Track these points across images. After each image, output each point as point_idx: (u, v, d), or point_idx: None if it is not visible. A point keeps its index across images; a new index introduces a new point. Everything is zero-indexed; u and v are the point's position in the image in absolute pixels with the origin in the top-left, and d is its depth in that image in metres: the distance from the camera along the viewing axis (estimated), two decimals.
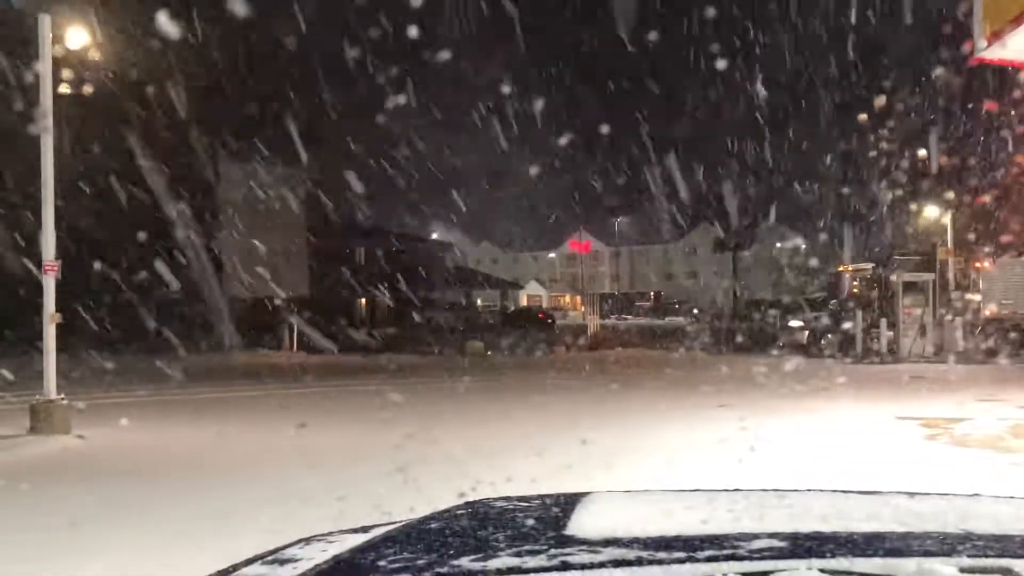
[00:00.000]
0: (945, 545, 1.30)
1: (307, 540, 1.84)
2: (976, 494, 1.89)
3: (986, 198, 27.01)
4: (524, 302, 65.19)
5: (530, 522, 1.69)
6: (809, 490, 2.00)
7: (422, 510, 1.93)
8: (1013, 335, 21.93)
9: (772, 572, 1.11)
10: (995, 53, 8.88)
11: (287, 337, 26.15)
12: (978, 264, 23.05)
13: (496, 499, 1.89)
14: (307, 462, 7.73)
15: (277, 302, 26.07)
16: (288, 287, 26.89)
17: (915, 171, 29.64)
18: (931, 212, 33.36)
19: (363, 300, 33.75)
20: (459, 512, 1.77)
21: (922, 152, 28.53)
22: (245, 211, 27.95)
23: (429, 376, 17.82)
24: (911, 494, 1.92)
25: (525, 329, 34.56)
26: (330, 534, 1.87)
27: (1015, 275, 22.28)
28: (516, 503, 1.84)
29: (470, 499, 1.93)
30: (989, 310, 22.10)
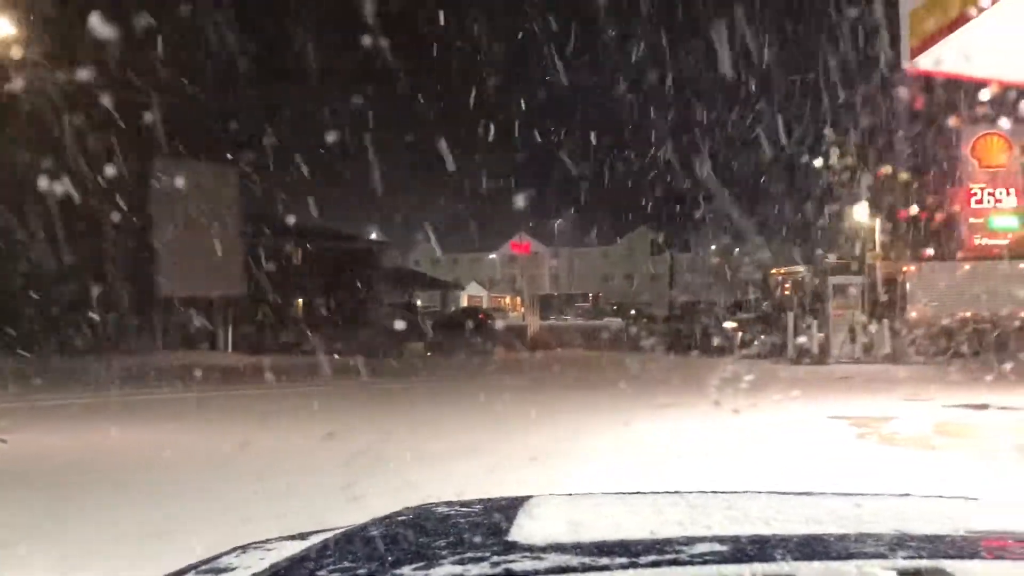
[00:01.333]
0: (882, 547, 1.31)
1: (243, 548, 1.80)
2: (907, 494, 1.95)
3: (911, 209, 27.87)
4: (465, 303, 64.98)
5: (473, 528, 1.68)
6: (748, 492, 2.01)
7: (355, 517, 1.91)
8: (937, 337, 22.72)
9: None
10: (921, 64, 9.17)
11: (223, 337, 25.67)
12: (905, 268, 23.77)
13: (438, 504, 1.86)
14: (246, 470, 7.63)
15: (212, 302, 25.58)
16: (224, 287, 26.40)
17: (847, 181, 30.41)
18: (861, 218, 34.33)
19: (301, 300, 33.31)
20: (400, 518, 1.73)
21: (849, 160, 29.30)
22: (180, 211, 27.35)
23: (370, 377, 17.68)
24: (847, 495, 1.96)
25: (465, 330, 34.52)
26: (267, 541, 1.84)
27: (939, 279, 23.05)
28: (458, 508, 1.82)
29: (411, 504, 1.91)
30: (915, 313, 22.82)
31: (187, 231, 26.25)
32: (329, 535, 1.68)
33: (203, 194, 27.30)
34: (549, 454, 8.15)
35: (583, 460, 8.00)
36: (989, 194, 28.32)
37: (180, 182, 26.62)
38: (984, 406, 11.72)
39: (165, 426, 11.10)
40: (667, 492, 1.95)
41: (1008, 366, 18.72)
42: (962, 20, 8.00)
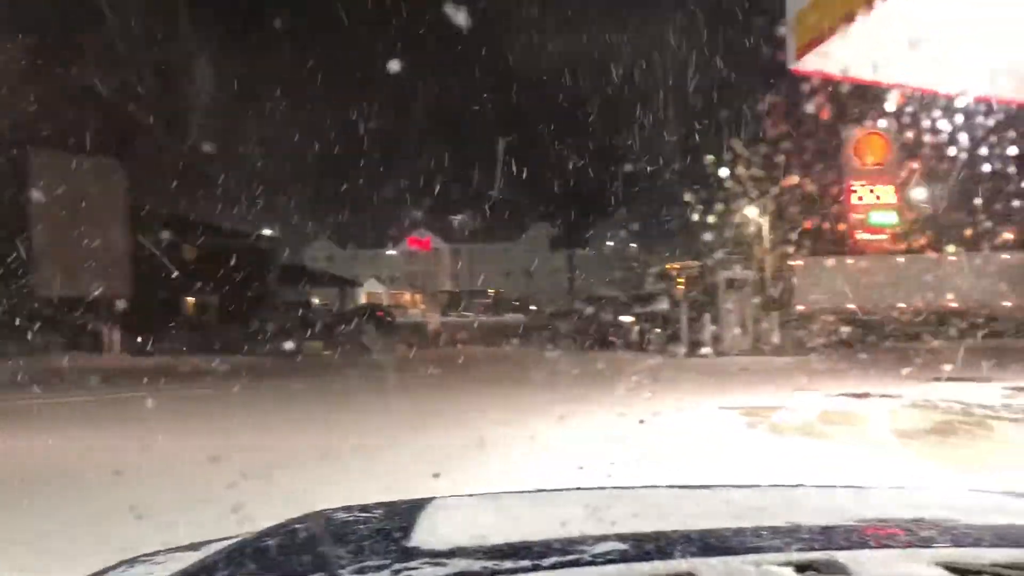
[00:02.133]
0: (777, 540, 1.32)
1: (131, 561, 1.68)
2: (799, 484, 1.96)
3: (799, 206, 28.95)
4: (363, 300, 64.26)
5: (373, 533, 1.61)
6: (648, 487, 2.01)
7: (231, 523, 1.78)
8: (823, 329, 23.69)
9: None
10: (807, 65, 9.48)
11: (108, 338, 24.60)
12: (793, 263, 24.68)
13: (336, 509, 1.77)
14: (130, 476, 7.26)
15: (96, 302, 24.45)
16: (108, 286, 25.27)
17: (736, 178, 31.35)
18: (752, 214, 35.47)
19: (191, 299, 32.24)
20: (297, 526, 1.65)
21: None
22: (60, 208, 26.04)
23: (264, 377, 17.23)
24: (742, 487, 1.97)
25: (363, 328, 34.09)
26: (156, 553, 1.71)
27: (825, 273, 24.02)
28: (357, 513, 1.74)
29: (308, 511, 1.82)
30: (801, 305, 23.71)
31: (67, 228, 25.03)
32: (222, 545, 1.58)
33: (84, 190, 26.08)
34: (451, 458, 8.07)
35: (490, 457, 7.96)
36: (870, 191, 29.72)
37: (59, 177, 25.40)
38: (866, 394, 12.23)
39: (37, 436, 10.49)
40: (569, 489, 1.93)
41: (888, 356, 19.68)
42: (843, 23, 8.30)
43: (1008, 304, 22.45)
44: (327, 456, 7.94)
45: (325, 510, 1.77)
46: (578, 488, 1.93)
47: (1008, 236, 28.76)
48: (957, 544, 1.25)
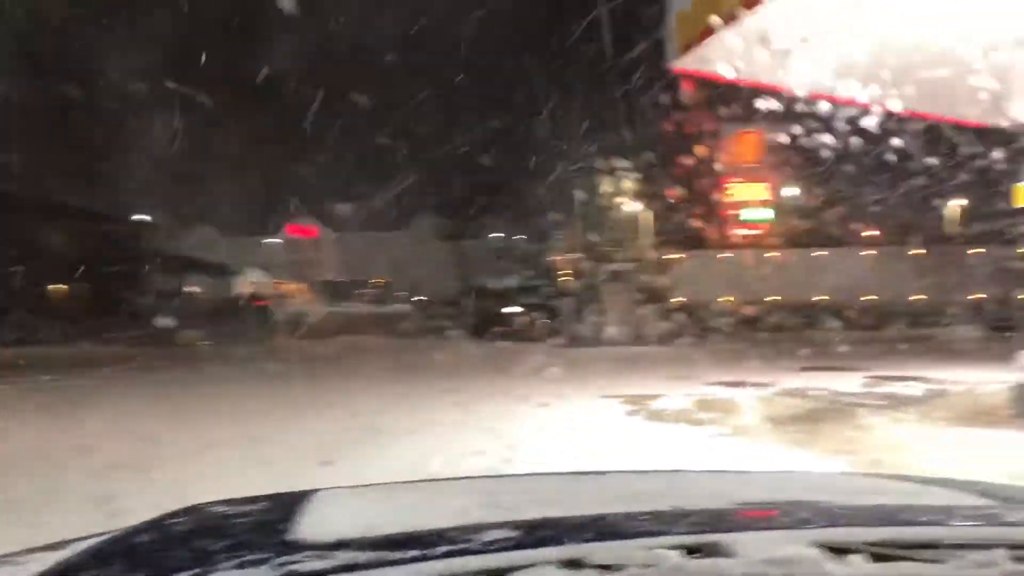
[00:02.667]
0: (666, 523, 1.34)
1: None
2: (684, 469, 2.02)
3: (678, 202, 29.83)
4: (244, 289, 62.28)
5: (254, 527, 1.56)
6: (537, 474, 2.03)
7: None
8: (701, 320, 24.50)
9: (507, 566, 1.09)
10: (687, 64, 9.75)
11: None
12: (672, 255, 25.40)
13: (215, 503, 1.70)
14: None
15: None
16: None
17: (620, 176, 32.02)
18: (633, 208, 36.31)
19: (58, 286, 30.54)
20: (171, 521, 1.58)
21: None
22: None
23: (138, 367, 16.53)
24: (630, 472, 2.01)
25: (244, 317, 33.10)
26: (18, 554, 1.60)
27: (702, 266, 24.84)
28: (237, 506, 1.68)
29: (184, 506, 1.73)
30: (679, 297, 24.45)
31: None
32: (91, 543, 1.49)
33: None
34: (338, 457, 7.94)
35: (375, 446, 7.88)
36: (744, 188, 30.90)
37: None
38: (740, 383, 12.74)
39: None
40: (459, 478, 1.91)
41: (762, 346, 20.53)
42: (721, 25, 8.58)
43: (872, 297, 23.78)
44: (207, 447, 7.70)
45: (202, 504, 1.71)
46: (468, 477, 1.93)
47: (872, 233, 30.51)
48: (832, 524, 1.29)
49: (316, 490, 1.73)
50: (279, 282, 78.58)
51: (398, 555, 1.19)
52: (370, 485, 1.90)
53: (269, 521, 1.59)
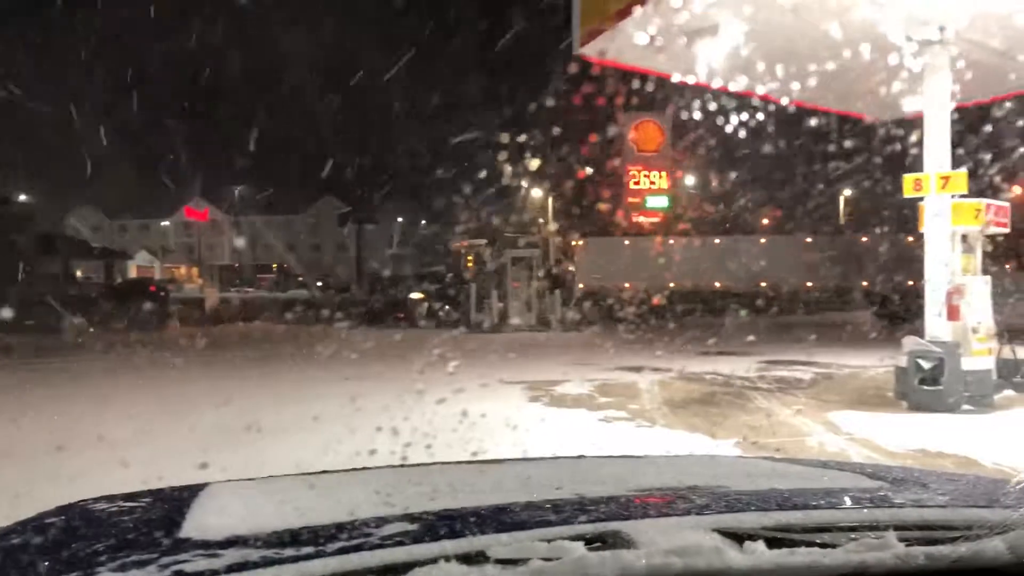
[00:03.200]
0: (566, 512, 1.32)
1: None
2: (583, 455, 2.01)
3: (581, 188, 30.13)
4: (134, 274, 60.15)
5: (140, 524, 1.47)
6: (436, 464, 1.99)
7: None
8: (602, 306, 24.86)
9: (405, 561, 1.05)
10: (591, 51, 9.81)
11: None
12: (575, 242, 25.64)
13: (98, 499, 1.59)
14: None
15: None
16: None
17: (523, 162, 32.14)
18: (536, 195, 36.51)
19: None
20: (48, 521, 1.47)
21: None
22: None
23: (17, 358, 15.68)
24: (529, 460, 1.98)
25: (135, 303, 31.84)
26: None
27: (604, 253, 25.16)
28: (122, 503, 1.58)
29: (63, 503, 1.59)
30: (582, 284, 24.72)
31: None
32: None
33: None
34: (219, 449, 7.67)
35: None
36: (645, 176, 31.45)
37: None
38: (640, 368, 12.96)
39: None
40: (354, 470, 1.86)
41: (662, 332, 20.96)
42: (622, 13, 8.66)
43: (765, 284, 24.56)
44: (65, 447, 7.00)
45: (82, 501, 1.60)
46: (364, 468, 1.86)
47: (771, 221, 31.53)
48: (730, 509, 1.31)
49: (206, 484, 1.65)
50: (171, 266, 76.05)
51: (291, 552, 1.14)
52: (264, 478, 1.82)
53: (155, 518, 1.51)
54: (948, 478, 1.79)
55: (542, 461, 2.02)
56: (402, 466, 1.87)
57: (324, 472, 1.88)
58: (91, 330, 22.95)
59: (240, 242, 78.06)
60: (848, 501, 1.43)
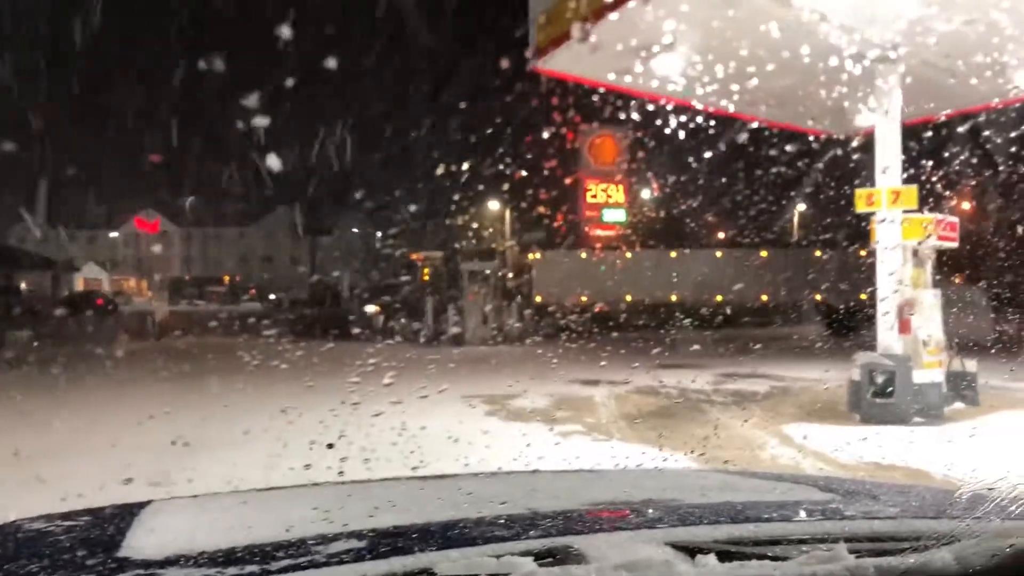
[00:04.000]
0: (516, 527, 1.30)
1: None
2: (536, 470, 1.97)
3: (538, 202, 30.19)
4: (81, 286, 58.96)
5: (78, 544, 1.40)
6: (385, 480, 1.96)
7: None
8: (559, 318, 24.90)
9: None
10: (546, 66, 9.85)
11: None
12: (532, 255, 25.67)
13: (34, 519, 1.52)
14: None
15: None
16: None
17: (480, 173, 32.18)
18: (494, 207, 36.55)
19: None
20: None
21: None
22: None
23: None
24: (480, 475, 1.95)
25: (81, 316, 31.18)
26: None
27: (561, 265, 25.22)
28: (59, 522, 1.51)
29: None
30: (539, 297, 24.74)
31: None
32: None
33: None
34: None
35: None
36: (602, 190, 31.66)
37: None
38: (597, 381, 12.96)
39: None
40: (300, 486, 1.82)
41: (619, 345, 21.04)
42: (577, 30, 8.70)
43: (720, 297, 24.82)
44: None
45: (16, 520, 1.52)
46: (311, 484, 1.81)
47: (725, 235, 31.92)
48: (683, 523, 1.31)
49: (148, 502, 1.61)
50: (120, 278, 74.60)
51: (234, 570, 1.11)
52: (206, 495, 1.76)
53: (93, 538, 1.45)
54: (898, 490, 1.81)
55: (495, 476, 1.99)
56: (345, 482, 1.84)
57: (268, 489, 1.84)
58: (35, 344, 22.35)
59: (191, 254, 76.95)
60: (800, 514, 1.44)
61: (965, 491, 1.58)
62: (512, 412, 10.00)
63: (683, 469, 2.12)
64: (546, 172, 33.81)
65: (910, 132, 10.93)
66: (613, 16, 8.19)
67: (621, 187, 31.89)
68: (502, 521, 1.36)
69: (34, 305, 35.84)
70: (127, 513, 1.52)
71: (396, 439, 8.31)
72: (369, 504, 1.58)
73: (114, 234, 79.15)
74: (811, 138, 13.72)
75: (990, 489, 1.26)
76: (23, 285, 40.67)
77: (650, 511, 1.45)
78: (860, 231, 11.41)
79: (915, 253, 9.61)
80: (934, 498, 1.73)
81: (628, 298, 25.02)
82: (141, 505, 1.58)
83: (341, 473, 6.30)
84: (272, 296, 49.85)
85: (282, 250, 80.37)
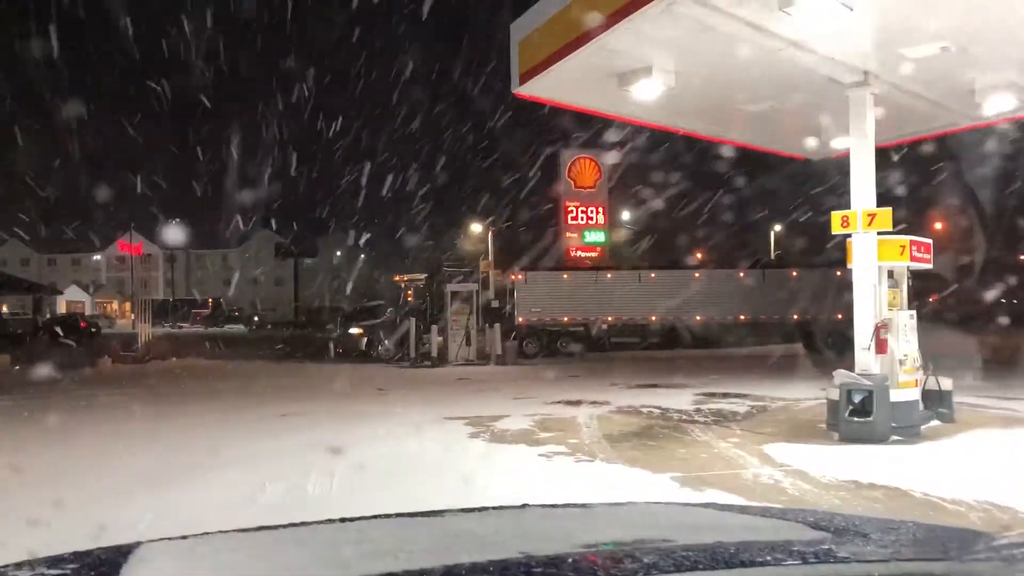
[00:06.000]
0: (466, 572, 1.30)
1: None
2: (525, 504, 1.99)
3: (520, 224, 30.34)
4: (63, 309, 58.47)
5: None
6: (376, 517, 1.92)
7: None
8: (541, 339, 24.95)
9: None
10: (527, 91, 9.97)
11: None
12: (513, 276, 25.72)
13: (19, 564, 1.47)
14: None
15: None
16: None
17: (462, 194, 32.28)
18: (476, 229, 36.67)
19: None
20: None
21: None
22: None
23: None
24: (469, 511, 1.94)
25: (64, 340, 30.89)
26: None
27: (542, 286, 25.27)
28: (44, 569, 1.46)
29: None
30: (521, 318, 24.77)
31: None
32: None
33: None
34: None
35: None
36: (583, 212, 31.83)
37: None
38: (579, 402, 13.01)
39: None
40: (292, 525, 1.79)
41: (600, 365, 21.10)
42: (556, 56, 8.84)
43: (700, 317, 24.94)
44: None
45: (3, 567, 1.49)
46: (301, 524, 1.81)
47: (705, 255, 32.12)
48: (678, 569, 1.31)
49: (137, 544, 1.58)
50: (103, 301, 73.98)
51: None
52: (198, 536, 1.74)
53: None
54: (888, 526, 1.83)
55: (484, 513, 1.99)
56: (334, 521, 1.82)
57: (261, 529, 1.81)
58: (16, 368, 22.16)
59: (174, 276, 76.47)
60: (792, 556, 1.45)
61: (961, 533, 1.61)
62: (497, 434, 10.03)
63: (673, 504, 2.12)
64: (528, 194, 34.01)
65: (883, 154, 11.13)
66: (589, 44, 8.33)
67: (601, 209, 32.09)
68: (498, 570, 1.34)
69: (15, 328, 35.49)
70: (117, 556, 1.49)
71: (378, 459, 8.36)
72: (365, 547, 1.58)
73: (97, 257, 78.59)
74: (788, 160, 13.92)
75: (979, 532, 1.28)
76: (4, 308, 40.29)
77: (646, 558, 1.43)
78: (839, 251, 11.56)
79: (891, 274, 9.76)
80: (923, 536, 1.74)
81: (610, 318, 25.12)
82: (131, 547, 1.55)
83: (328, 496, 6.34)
84: (256, 318, 49.57)
85: (267, 272, 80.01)
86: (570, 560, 1.43)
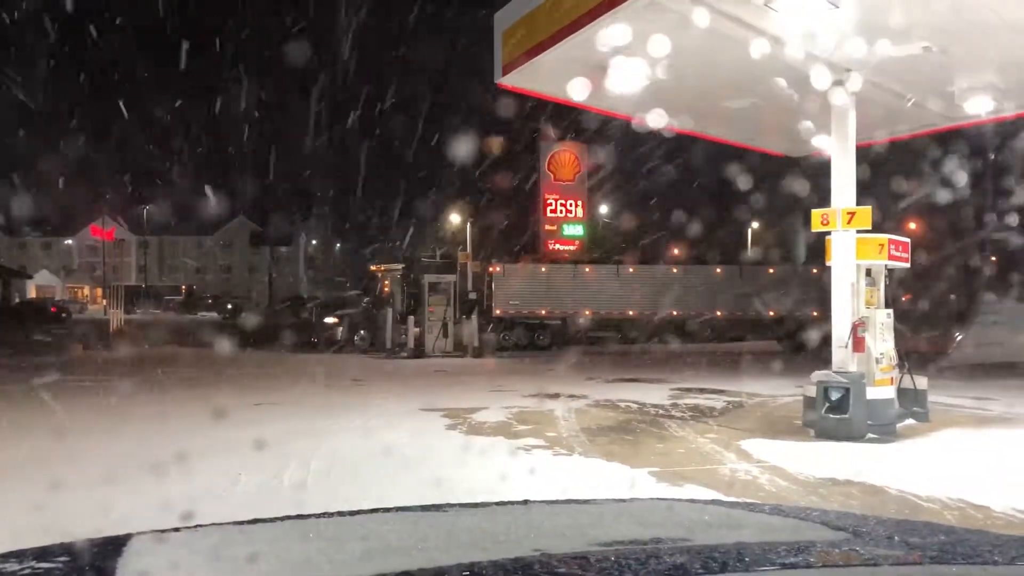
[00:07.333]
0: (532, 572, 1.26)
1: None
2: (527, 500, 1.93)
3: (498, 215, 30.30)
4: (33, 294, 57.73)
5: None
6: (377, 511, 1.88)
7: None
8: (519, 331, 24.94)
9: None
10: (510, 82, 9.92)
11: None
12: (491, 268, 25.66)
13: (5, 555, 1.44)
14: None
15: None
16: None
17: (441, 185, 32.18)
18: (455, 221, 36.57)
19: None
20: None
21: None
22: None
23: None
24: (467, 506, 1.89)
25: (34, 325, 30.48)
26: None
27: (520, 279, 25.25)
28: (32, 562, 1.42)
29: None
30: (499, 310, 24.74)
31: None
32: None
33: None
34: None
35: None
36: (561, 204, 31.80)
37: None
38: (556, 395, 13.00)
39: None
40: (290, 517, 1.75)
41: (577, 358, 21.11)
42: (538, 48, 8.80)
43: (678, 312, 25.03)
44: None
45: None
46: (299, 516, 1.76)
47: (681, 251, 32.24)
48: (706, 570, 1.25)
49: (129, 535, 1.53)
50: (74, 287, 73.08)
51: None
52: (192, 528, 1.69)
53: (73, 573, 1.38)
54: (907, 527, 1.76)
55: (484, 509, 1.95)
56: (332, 514, 1.77)
57: (256, 521, 1.76)
58: None
59: (147, 262, 75.71)
60: (816, 557, 1.39)
61: (1000, 538, 1.54)
62: (474, 427, 9.99)
63: (681, 501, 2.11)
64: (507, 185, 33.94)
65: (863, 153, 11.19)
66: (570, 38, 8.29)
67: (580, 202, 32.09)
68: (518, 568, 1.29)
69: None
70: (107, 548, 1.46)
71: (354, 451, 8.29)
72: (369, 543, 1.53)
73: (69, 241, 77.63)
74: (768, 157, 13.96)
75: None
76: None
77: (670, 558, 1.37)
78: (816, 249, 11.62)
79: (868, 272, 9.81)
80: (954, 539, 1.67)
81: (588, 312, 25.14)
82: (122, 539, 1.51)
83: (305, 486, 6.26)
84: (229, 306, 49.13)
85: (241, 260, 79.45)
86: (592, 559, 1.38)
